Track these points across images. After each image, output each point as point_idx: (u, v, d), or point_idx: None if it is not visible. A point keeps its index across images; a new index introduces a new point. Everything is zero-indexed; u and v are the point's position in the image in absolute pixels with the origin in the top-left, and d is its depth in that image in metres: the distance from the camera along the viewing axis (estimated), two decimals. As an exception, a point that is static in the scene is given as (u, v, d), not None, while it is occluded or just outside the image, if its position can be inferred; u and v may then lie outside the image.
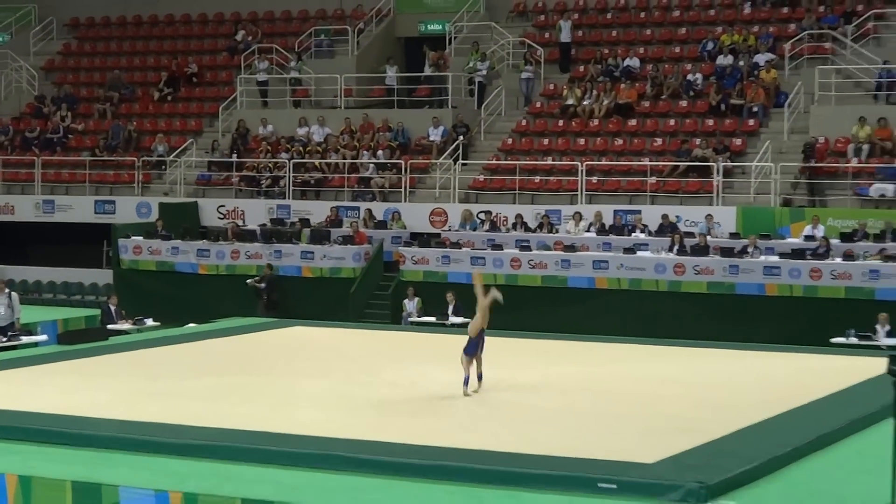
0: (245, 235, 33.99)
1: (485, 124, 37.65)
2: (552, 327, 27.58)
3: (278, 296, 32.31)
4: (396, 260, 32.42)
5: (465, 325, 28.82)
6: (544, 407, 18.67)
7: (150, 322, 28.99)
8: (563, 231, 32.40)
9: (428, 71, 39.40)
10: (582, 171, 33.77)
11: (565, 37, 38.91)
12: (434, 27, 41.81)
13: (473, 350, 18.80)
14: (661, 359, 23.25)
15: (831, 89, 34.49)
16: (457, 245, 31.98)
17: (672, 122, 35.78)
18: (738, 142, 34.18)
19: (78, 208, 38.14)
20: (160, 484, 14.39)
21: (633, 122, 36.17)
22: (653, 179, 33.43)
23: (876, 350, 24.69)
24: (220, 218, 36.21)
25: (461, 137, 36.27)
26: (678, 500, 13.74)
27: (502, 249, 31.36)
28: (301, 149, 37.57)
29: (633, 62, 37.90)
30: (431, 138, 36.82)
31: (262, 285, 32.29)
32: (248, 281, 32.54)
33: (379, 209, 34.85)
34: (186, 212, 36.39)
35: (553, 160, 35.27)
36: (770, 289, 28.80)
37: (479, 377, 18.90)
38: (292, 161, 36.79)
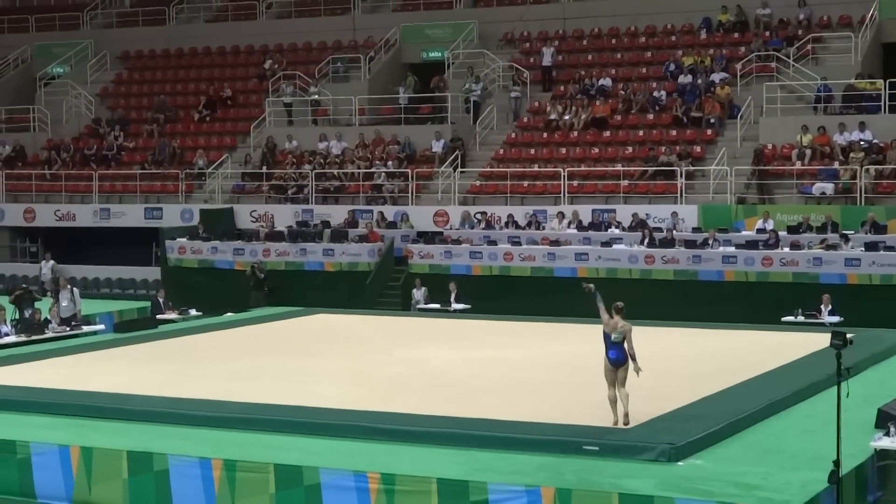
0: (275, 236, 33.87)
1: (479, 137, 37.52)
2: (540, 312, 27.46)
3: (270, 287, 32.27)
4: (405, 255, 32.27)
5: (465, 311, 29.01)
6: (533, 380, 18.60)
7: (193, 312, 28.94)
8: (548, 228, 32.25)
9: (409, 93, 39.28)
10: (564, 176, 33.65)
11: (547, 61, 38.79)
12: (434, 54, 41.65)
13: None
14: (634, 337, 23.12)
15: (777, 103, 34.35)
16: (457, 242, 31.85)
17: (641, 133, 35.64)
18: (698, 149, 34.03)
19: (130, 215, 38.03)
20: (203, 452, 14.35)
21: (607, 133, 36.03)
22: (625, 182, 33.30)
23: (820, 327, 24.61)
24: (252, 221, 36.08)
25: (459, 149, 36.17)
26: (652, 459, 13.68)
27: (496, 245, 31.24)
28: (322, 161, 37.44)
29: (607, 82, 37.75)
30: (434, 150, 36.69)
31: (262, 275, 32.10)
32: (252, 267, 32.15)
33: (390, 212, 34.72)
34: (224, 216, 36.28)
35: (539, 167, 35.12)
36: (728, 275, 28.66)
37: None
38: (314, 171, 36.66)
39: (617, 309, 15.29)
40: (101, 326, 26.80)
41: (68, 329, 25.31)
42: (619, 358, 15.14)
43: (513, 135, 37.12)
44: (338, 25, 44.26)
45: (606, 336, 15.24)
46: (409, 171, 35.72)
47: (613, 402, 15.14)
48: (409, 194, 35.37)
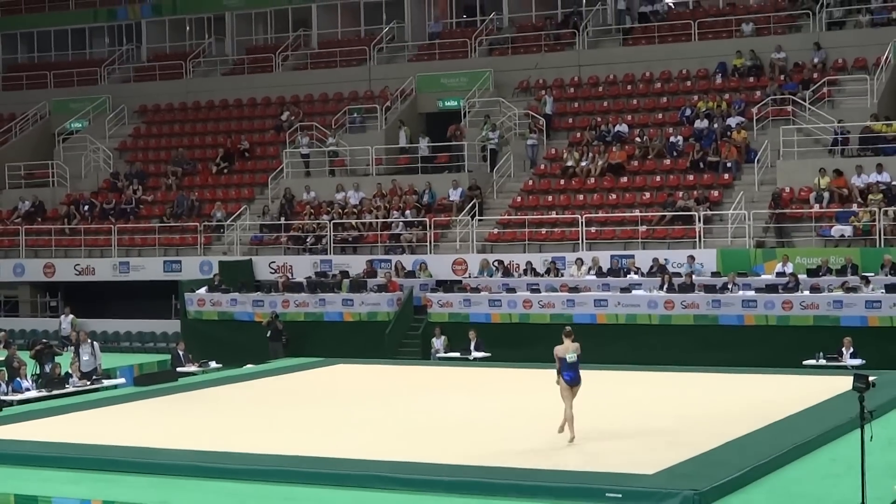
0: (293, 287, 33.95)
1: (497, 185, 37.60)
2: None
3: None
4: (425, 304, 32.29)
5: (485, 360, 28.99)
6: (554, 428, 18.54)
7: (213, 364, 28.99)
8: (567, 275, 32.23)
9: (405, 142, 39.77)
10: (582, 222, 33.69)
11: (549, 109, 38.88)
12: (451, 103, 41.81)
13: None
14: (655, 383, 23.13)
15: (794, 146, 34.38)
16: (476, 290, 31.85)
17: (658, 178, 35.69)
18: (715, 193, 34.05)
19: (149, 268, 38.12)
20: (225, 505, 14.35)
21: (624, 179, 36.08)
22: (643, 228, 33.32)
23: (842, 370, 24.53)
24: (271, 273, 36.13)
25: (476, 197, 36.23)
26: (675, 506, 13.63)
27: (515, 292, 31.23)
28: (340, 211, 37.55)
29: (623, 128, 37.85)
30: (451, 198, 36.77)
31: (281, 326, 32.15)
32: (271, 317, 32.29)
33: (408, 261, 34.76)
34: (242, 268, 36.36)
35: (556, 214, 35.16)
36: (748, 319, 28.60)
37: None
38: (332, 222, 36.78)
39: (567, 332, 17.13)
40: (122, 380, 26.85)
41: (89, 383, 25.37)
42: (573, 379, 16.85)
43: (530, 182, 37.21)
44: (354, 76, 44.55)
45: (562, 360, 16.89)
46: (426, 219, 35.81)
47: (571, 419, 16.69)
48: (428, 243, 35.44)
